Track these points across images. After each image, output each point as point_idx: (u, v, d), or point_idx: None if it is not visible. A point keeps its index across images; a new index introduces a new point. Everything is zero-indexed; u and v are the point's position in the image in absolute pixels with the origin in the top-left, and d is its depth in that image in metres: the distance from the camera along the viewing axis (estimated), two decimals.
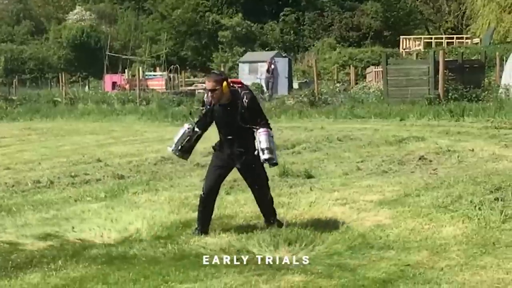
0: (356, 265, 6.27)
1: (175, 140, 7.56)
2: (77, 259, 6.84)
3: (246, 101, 7.18)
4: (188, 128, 7.49)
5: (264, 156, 7.09)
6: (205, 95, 7.50)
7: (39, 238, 7.73)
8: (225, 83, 7.16)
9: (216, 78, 7.22)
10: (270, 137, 7.16)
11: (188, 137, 7.48)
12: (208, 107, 7.38)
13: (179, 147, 7.51)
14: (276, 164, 7.33)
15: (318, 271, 6.13)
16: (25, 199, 10.23)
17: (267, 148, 7.08)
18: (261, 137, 7.11)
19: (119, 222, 8.22)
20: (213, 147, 7.60)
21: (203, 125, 7.53)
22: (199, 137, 7.56)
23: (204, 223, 7.55)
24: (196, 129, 7.49)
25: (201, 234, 7.43)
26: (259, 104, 7.50)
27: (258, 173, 7.46)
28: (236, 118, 7.16)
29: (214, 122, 7.49)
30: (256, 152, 7.15)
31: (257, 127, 7.18)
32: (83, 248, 7.22)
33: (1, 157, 15.84)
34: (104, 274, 6.31)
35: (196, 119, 7.61)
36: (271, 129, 7.30)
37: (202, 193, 7.49)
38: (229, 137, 7.30)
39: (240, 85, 7.42)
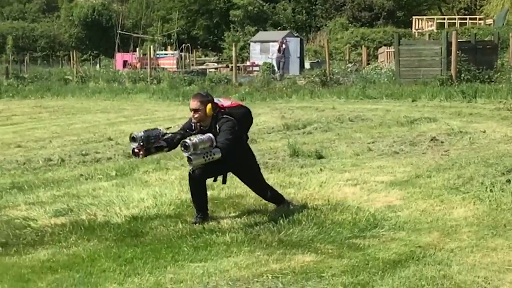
0: (367, 245, 6.26)
1: (143, 130, 7.11)
2: (87, 236, 6.87)
3: (218, 130, 6.91)
4: (160, 130, 7.18)
5: (187, 141, 6.56)
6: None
7: (50, 215, 7.76)
8: (209, 105, 6.94)
9: (201, 99, 6.99)
10: (210, 143, 6.64)
11: (156, 135, 7.07)
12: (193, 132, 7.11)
13: (144, 137, 6.95)
14: (190, 161, 6.61)
15: (329, 251, 6.13)
16: (36, 176, 10.28)
17: (196, 141, 6.55)
18: (203, 136, 6.68)
19: (129, 201, 8.25)
20: None
21: (173, 140, 7.21)
22: (160, 148, 7.17)
23: (204, 204, 7.26)
24: (162, 142, 7.13)
25: (204, 220, 7.17)
26: (230, 128, 6.90)
27: (252, 172, 7.42)
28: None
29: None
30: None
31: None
32: (94, 226, 7.24)
33: (13, 135, 15.92)
34: (114, 252, 6.34)
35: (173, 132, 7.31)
36: (222, 153, 6.71)
37: (190, 170, 7.09)
38: None
39: (223, 109, 7.06)
